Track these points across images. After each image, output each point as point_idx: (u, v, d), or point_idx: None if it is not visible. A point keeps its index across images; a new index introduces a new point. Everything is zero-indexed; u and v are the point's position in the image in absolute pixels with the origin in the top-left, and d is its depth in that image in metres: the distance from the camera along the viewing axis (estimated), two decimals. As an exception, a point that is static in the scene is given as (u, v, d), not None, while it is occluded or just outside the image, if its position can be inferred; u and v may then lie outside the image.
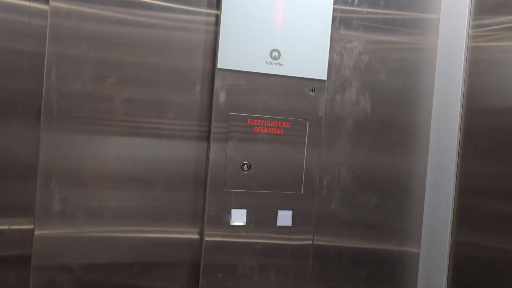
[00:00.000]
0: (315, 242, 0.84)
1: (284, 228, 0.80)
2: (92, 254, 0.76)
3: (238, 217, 0.77)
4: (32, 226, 0.73)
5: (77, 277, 0.75)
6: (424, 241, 0.91)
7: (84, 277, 0.76)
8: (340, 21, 0.85)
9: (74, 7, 0.73)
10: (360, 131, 0.87)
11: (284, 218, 0.79)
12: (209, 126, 0.78)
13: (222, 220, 0.77)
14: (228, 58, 0.75)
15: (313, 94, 0.80)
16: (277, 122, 0.78)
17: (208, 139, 0.78)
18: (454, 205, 0.86)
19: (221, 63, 0.75)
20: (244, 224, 0.78)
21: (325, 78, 0.80)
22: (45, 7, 0.72)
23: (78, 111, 0.73)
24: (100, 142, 0.75)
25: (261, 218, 0.79)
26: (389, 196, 0.90)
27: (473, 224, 0.82)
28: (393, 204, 0.90)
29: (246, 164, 0.78)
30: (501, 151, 0.77)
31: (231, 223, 0.77)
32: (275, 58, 0.77)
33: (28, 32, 0.72)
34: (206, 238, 0.77)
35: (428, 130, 0.91)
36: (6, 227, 0.74)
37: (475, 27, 0.84)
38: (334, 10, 0.82)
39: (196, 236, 0.80)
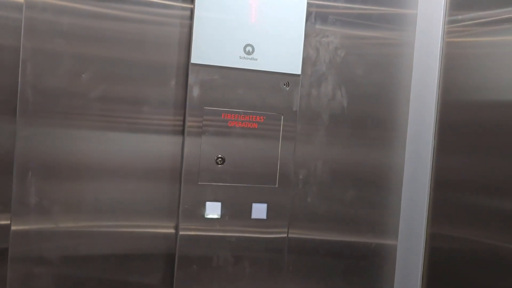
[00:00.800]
0: (290, 235, 0.86)
1: (259, 221, 0.81)
2: (69, 247, 0.77)
3: (213, 210, 0.79)
4: (9, 222, 0.74)
5: (54, 269, 0.76)
6: (401, 233, 0.93)
7: (61, 270, 0.76)
8: (316, 16, 0.85)
9: (50, 0, 0.73)
10: (336, 125, 0.88)
11: (259, 211, 0.80)
12: (184, 121, 0.79)
13: (197, 213, 0.78)
14: (202, 53, 0.76)
15: (288, 88, 0.81)
16: (251, 116, 0.79)
17: (182, 133, 0.79)
18: (429, 198, 0.87)
19: (195, 58, 0.76)
20: (219, 217, 0.79)
21: (299, 72, 0.81)
22: (21, 0, 0.72)
23: (54, 106, 0.74)
24: (76, 137, 0.75)
25: (236, 211, 0.80)
26: (366, 189, 0.91)
27: (448, 217, 0.84)
28: (371, 197, 0.91)
29: (220, 157, 0.79)
30: (475, 145, 0.78)
31: (206, 216, 0.78)
32: (248, 53, 0.78)
33: (6, 26, 0.72)
34: (180, 233, 0.78)
35: (405, 125, 0.92)
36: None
37: (450, 22, 0.85)
38: (310, 5, 0.83)
39: (172, 231, 0.81)
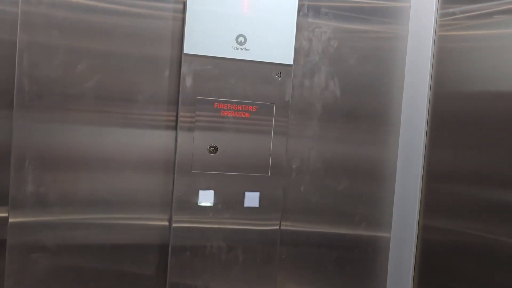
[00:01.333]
0: (283, 226, 0.86)
1: (251, 209, 0.82)
2: (65, 238, 0.78)
3: (206, 198, 0.80)
4: (7, 214, 0.75)
5: (51, 259, 0.77)
6: (394, 225, 0.93)
7: (57, 260, 0.78)
8: (308, 8, 0.86)
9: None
10: (329, 116, 0.89)
11: (252, 199, 0.81)
12: (177, 111, 0.80)
13: (190, 201, 0.79)
14: (195, 43, 0.77)
15: (280, 78, 0.82)
16: (244, 106, 0.80)
17: (176, 123, 0.80)
18: (422, 190, 0.87)
19: (188, 48, 0.77)
20: (212, 205, 0.80)
21: (291, 62, 0.82)
22: (17, -6, 0.74)
23: (50, 98, 0.75)
24: (72, 130, 0.76)
25: (229, 199, 0.81)
26: (359, 180, 0.91)
27: (440, 209, 0.84)
28: (364, 188, 0.92)
29: (213, 146, 0.80)
30: (467, 137, 0.79)
31: (199, 204, 0.79)
32: (241, 44, 0.79)
33: (3, 21, 0.74)
34: (174, 225, 0.79)
35: (398, 117, 0.92)
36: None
37: (442, 16, 0.85)
38: (303, -3, 0.84)
39: (166, 223, 0.82)
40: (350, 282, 0.93)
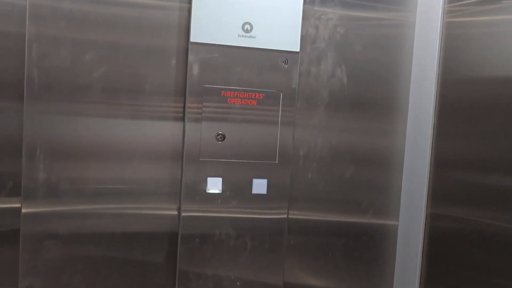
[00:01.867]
0: (291, 215, 0.87)
1: (259, 196, 0.82)
2: (77, 227, 0.79)
3: (214, 185, 0.80)
4: (20, 205, 0.77)
5: (63, 248, 0.79)
6: (402, 213, 0.93)
7: (69, 249, 0.79)
8: (315, -5, 0.86)
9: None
10: (336, 103, 0.88)
11: (259, 186, 0.82)
12: (184, 100, 0.80)
13: (199, 188, 0.80)
14: (201, 32, 0.77)
15: (286, 66, 0.82)
16: (250, 93, 0.81)
17: (183, 111, 0.81)
18: (429, 178, 0.87)
19: (194, 37, 0.77)
20: (220, 192, 0.81)
21: (298, 50, 0.82)
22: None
23: (58, 89, 0.76)
24: (81, 122, 0.77)
25: (237, 186, 0.82)
26: (367, 169, 0.91)
27: (448, 196, 0.84)
28: (371, 177, 0.92)
29: (221, 134, 0.80)
30: (475, 124, 0.79)
31: (207, 191, 0.80)
32: (247, 31, 0.79)
33: (12, 13, 0.75)
34: (183, 214, 0.80)
35: (406, 104, 0.92)
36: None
37: (450, 1, 0.84)
38: (309, -16, 0.83)
39: (175, 212, 0.83)
40: (358, 269, 0.93)
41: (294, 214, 0.88)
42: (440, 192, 0.86)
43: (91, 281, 0.81)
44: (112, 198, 0.80)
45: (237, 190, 0.82)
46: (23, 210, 0.76)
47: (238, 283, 0.84)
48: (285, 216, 0.85)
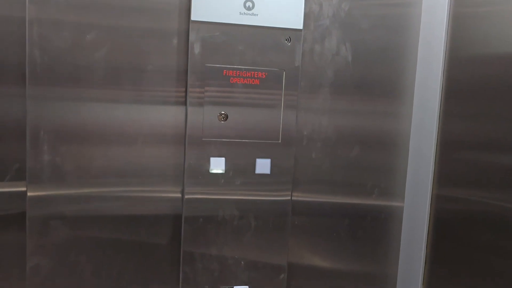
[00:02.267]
0: (294, 197, 0.86)
1: (263, 176, 0.82)
2: (82, 210, 0.80)
3: (217, 165, 0.80)
4: (25, 189, 0.77)
5: (69, 230, 0.80)
6: (407, 194, 0.92)
7: (75, 231, 0.80)
8: (318, -29, 0.84)
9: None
10: (341, 82, 0.87)
11: (263, 166, 0.81)
12: (186, 79, 0.80)
13: (202, 169, 0.80)
14: (202, 10, 0.76)
15: (289, 44, 0.80)
16: (253, 72, 0.80)
17: (185, 91, 0.80)
18: (435, 159, 0.86)
19: (195, 15, 0.76)
20: (223, 172, 0.81)
21: (301, 27, 0.80)
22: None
23: (61, 72, 0.76)
24: (84, 106, 0.77)
25: (240, 166, 0.81)
26: (372, 149, 0.90)
27: (454, 178, 0.83)
28: (377, 157, 0.91)
29: (223, 114, 0.80)
30: (481, 103, 0.77)
31: (210, 171, 0.80)
32: (249, 9, 0.78)
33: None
34: (186, 196, 0.80)
35: (412, 84, 0.90)
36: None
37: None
38: (312, -41, 0.81)
39: (179, 195, 0.83)
40: (363, 249, 0.93)
41: (298, 196, 0.87)
42: (446, 173, 0.84)
43: (96, 262, 0.81)
44: (116, 181, 0.80)
45: (240, 170, 0.81)
46: (29, 194, 0.77)
47: (242, 263, 0.84)
48: (289, 198, 0.84)
